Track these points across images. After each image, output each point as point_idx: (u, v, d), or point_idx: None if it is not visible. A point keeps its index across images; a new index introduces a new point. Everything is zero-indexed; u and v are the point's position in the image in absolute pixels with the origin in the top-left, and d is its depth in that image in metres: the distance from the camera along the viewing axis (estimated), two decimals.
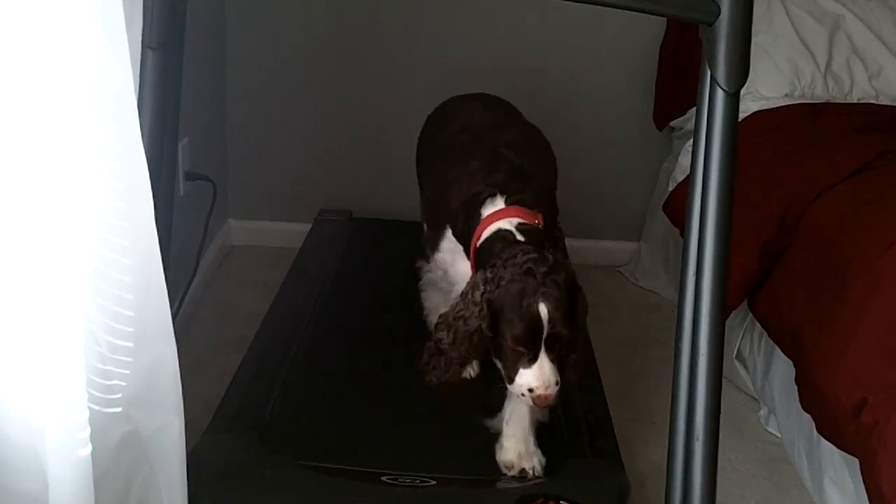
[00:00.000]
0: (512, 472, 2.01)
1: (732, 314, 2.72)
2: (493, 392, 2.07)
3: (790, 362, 2.37)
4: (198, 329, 2.94)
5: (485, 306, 1.92)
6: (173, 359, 1.55)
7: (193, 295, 2.95)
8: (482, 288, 1.94)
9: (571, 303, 1.92)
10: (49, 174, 1.25)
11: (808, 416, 2.23)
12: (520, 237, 2.00)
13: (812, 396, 2.19)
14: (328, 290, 2.81)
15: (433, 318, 2.22)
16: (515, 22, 3.39)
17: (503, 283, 1.91)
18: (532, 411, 2.05)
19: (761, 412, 2.74)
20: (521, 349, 1.89)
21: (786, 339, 2.40)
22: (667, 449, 1.66)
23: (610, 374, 2.61)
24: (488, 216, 2.05)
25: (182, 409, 1.59)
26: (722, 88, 1.56)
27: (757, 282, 2.58)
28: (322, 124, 3.53)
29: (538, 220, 2.05)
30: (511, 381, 1.92)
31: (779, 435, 2.64)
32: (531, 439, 2.06)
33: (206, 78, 3.23)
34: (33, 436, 1.36)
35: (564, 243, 2.78)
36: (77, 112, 1.28)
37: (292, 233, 3.39)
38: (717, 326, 1.59)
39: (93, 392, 1.42)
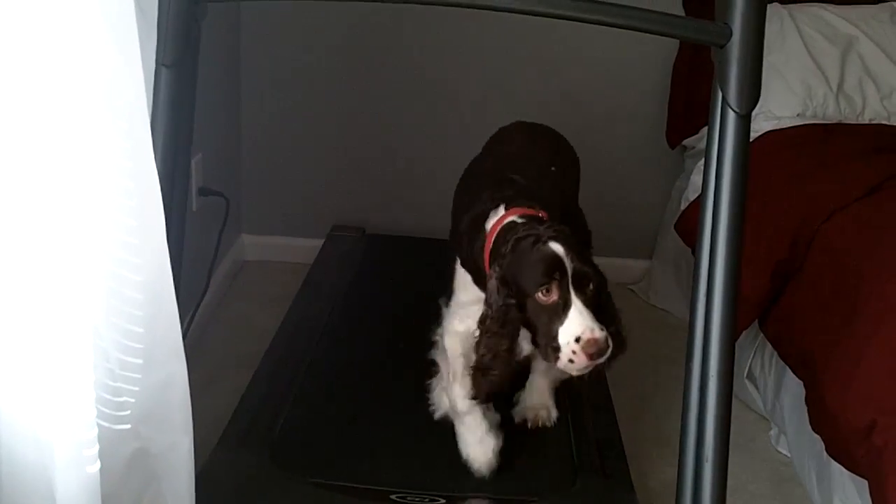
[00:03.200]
0: (519, 419, 2.18)
1: (744, 334, 2.71)
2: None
3: (801, 382, 2.36)
4: (209, 344, 2.95)
5: (504, 288, 1.85)
6: (183, 377, 1.55)
7: (205, 310, 2.96)
8: (496, 268, 1.87)
9: (585, 251, 1.87)
10: (62, 191, 1.26)
11: (818, 437, 2.22)
12: (520, 220, 1.94)
13: (822, 417, 2.18)
14: (340, 306, 2.81)
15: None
16: (529, 41, 3.40)
17: (510, 254, 1.85)
18: (550, 377, 2.17)
19: (771, 432, 2.73)
20: (549, 297, 1.79)
21: (796, 359, 2.39)
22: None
23: (621, 392, 2.60)
24: (493, 226, 1.99)
25: (191, 427, 1.60)
26: (733, 110, 1.56)
27: (768, 302, 2.57)
28: (335, 140, 3.54)
29: (542, 214, 1.99)
30: (556, 350, 1.78)
31: (789, 455, 2.63)
32: (547, 395, 2.21)
33: (220, 94, 3.24)
34: (42, 452, 1.36)
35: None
36: (90, 129, 1.29)
37: (305, 248, 3.40)
38: (728, 346, 1.59)
39: (102, 409, 1.43)
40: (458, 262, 2.14)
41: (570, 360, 1.77)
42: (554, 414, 2.27)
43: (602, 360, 1.78)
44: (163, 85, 1.64)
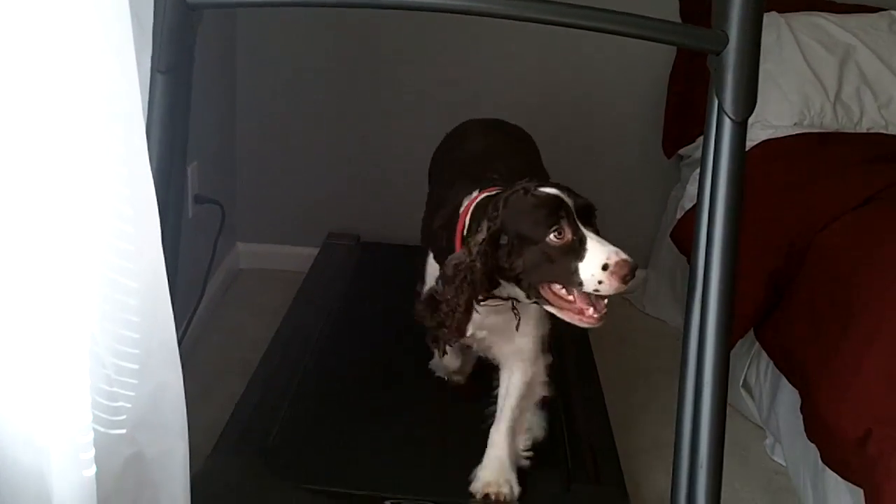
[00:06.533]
0: (480, 495, 2.01)
1: (739, 343, 2.71)
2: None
3: (796, 392, 2.36)
4: (204, 352, 2.94)
5: (494, 238, 1.83)
6: (178, 382, 1.55)
7: (200, 318, 2.96)
8: (486, 225, 1.85)
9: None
10: (56, 197, 1.26)
11: (813, 446, 2.22)
12: (495, 193, 1.93)
13: (817, 426, 2.18)
14: (335, 314, 2.82)
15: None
16: (526, 50, 3.41)
17: (504, 209, 1.83)
18: (512, 446, 2.07)
19: (767, 441, 2.73)
20: (563, 237, 1.77)
21: (792, 368, 2.39)
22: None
23: (616, 402, 2.60)
24: (466, 206, 1.99)
25: (186, 433, 1.59)
26: (729, 117, 1.56)
27: (764, 311, 2.57)
28: (331, 148, 3.55)
29: None
30: (580, 284, 1.76)
31: (784, 464, 2.63)
32: (508, 466, 2.05)
33: (215, 102, 3.25)
34: (38, 456, 1.36)
35: None
36: (85, 135, 1.29)
37: (300, 256, 3.41)
38: (723, 355, 1.59)
39: (98, 413, 1.42)
40: (431, 255, 2.14)
41: (597, 289, 1.76)
42: (516, 489, 2.06)
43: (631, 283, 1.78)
44: (158, 91, 1.64)
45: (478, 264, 1.83)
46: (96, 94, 1.30)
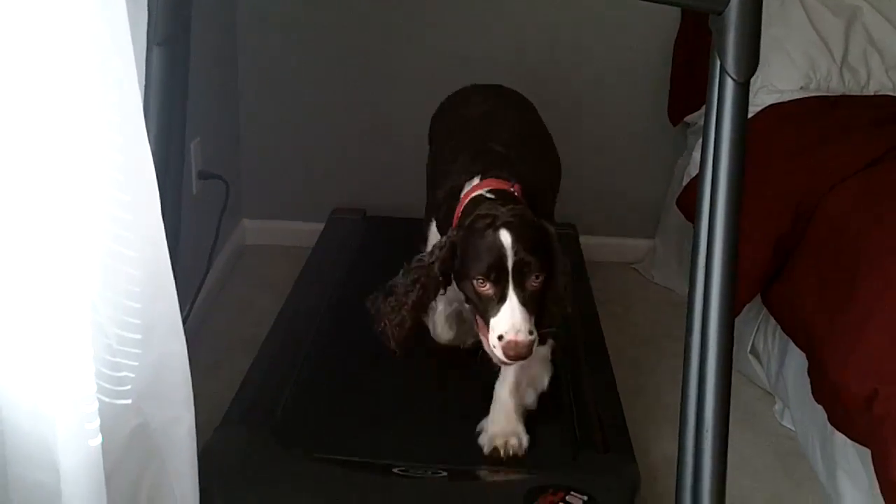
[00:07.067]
0: (489, 448, 2.03)
1: (746, 308, 2.71)
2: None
3: (804, 356, 2.35)
4: (211, 329, 2.95)
5: (450, 249, 1.91)
6: (182, 352, 1.55)
7: (207, 295, 2.96)
8: (450, 234, 1.94)
9: (541, 237, 1.88)
10: (55, 169, 1.26)
11: (821, 409, 2.22)
12: (489, 196, 1.98)
13: (824, 388, 2.18)
14: (341, 288, 2.81)
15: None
16: (530, 17, 3.39)
17: (466, 230, 1.90)
18: (517, 398, 2.08)
19: (776, 407, 2.73)
20: (487, 286, 1.83)
21: (799, 331, 2.39)
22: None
23: (624, 369, 2.61)
24: (465, 194, 2.05)
25: (192, 403, 1.60)
26: (732, 78, 1.55)
27: (771, 275, 2.56)
28: (336, 123, 3.53)
29: (514, 189, 2.03)
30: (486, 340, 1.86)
31: (793, 429, 2.63)
32: (515, 419, 2.07)
33: (218, 76, 3.24)
34: (45, 426, 1.37)
35: (578, 240, 2.76)
36: (82, 107, 1.29)
37: (306, 232, 3.40)
38: (727, 315, 1.58)
39: (102, 384, 1.43)
40: (434, 223, 2.21)
41: (493, 347, 1.84)
42: (525, 441, 2.05)
43: (523, 360, 1.85)
44: (155, 64, 1.64)
45: (435, 269, 1.93)
46: (90, 66, 1.29)
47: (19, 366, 1.34)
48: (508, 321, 1.80)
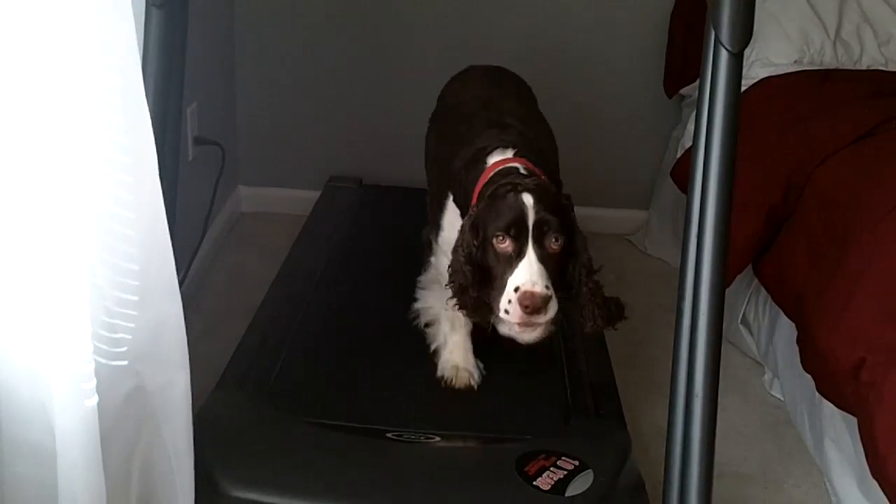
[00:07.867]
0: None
1: (738, 279, 2.73)
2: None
3: (794, 326, 2.38)
4: (207, 295, 2.97)
5: (472, 231, 1.89)
6: (179, 315, 1.56)
7: (202, 261, 2.97)
8: (471, 211, 1.92)
9: (562, 209, 1.87)
10: (53, 132, 1.26)
11: (809, 379, 2.25)
12: (523, 171, 1.97)
13: (813, 356, 2.21)
14: (337, 256, 2.82)
15: (424, 319, 2.27)
16: None
17: (488, 198, 1.88)
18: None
19: (765, 376, 2.76)
20: (507, 242, 1.81)
21: (789, 300, 2.41)
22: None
23: (617, 340, 2.61)
24: (495, 162, 2.02)
25: (188, 365, 1.61)
26: (726, 48, 1.56)
27: (762, 246, 2.58)
28: (333, 90, 3.54)
29: (539, 172, 2.02)
30: (498, 305, 1.81)
31: (782, 398, 2.66)
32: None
33: (215, 42, 3.23)
34: (41, 387, 1.38)
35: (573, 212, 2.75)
36: (81, 70, 1.29)
37: (302, 200, 3.41)
38: (718, 287, 1.60)
39: (99, 345, 1.44)
40: (451, 198, 2.16)
41: (506, 311, 1.79)
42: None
43: (540, 320, 1.78)
44: (153, 26, 1.65)
45: (461, 253, 1.91)
46: (88, 28, 1.29)
47: (16, 326, 1.35)
48: (526, 273, 1.77)
